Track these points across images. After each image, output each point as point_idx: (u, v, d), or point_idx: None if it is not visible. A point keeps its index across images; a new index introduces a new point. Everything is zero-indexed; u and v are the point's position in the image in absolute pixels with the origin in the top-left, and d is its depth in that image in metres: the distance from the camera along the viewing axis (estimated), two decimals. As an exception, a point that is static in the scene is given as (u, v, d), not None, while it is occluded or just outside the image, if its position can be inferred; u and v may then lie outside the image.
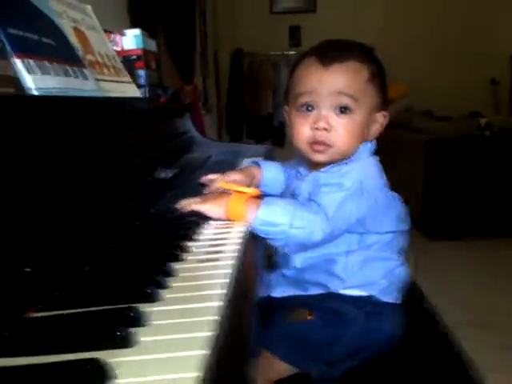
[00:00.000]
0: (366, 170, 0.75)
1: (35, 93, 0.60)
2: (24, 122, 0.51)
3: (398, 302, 0.79)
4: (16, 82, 0.59)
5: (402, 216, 0.80)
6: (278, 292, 0.83)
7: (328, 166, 0.77)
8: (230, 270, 0.50)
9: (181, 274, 0.49)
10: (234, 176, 0.86)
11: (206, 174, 0.95)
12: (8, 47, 0.59)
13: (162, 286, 0.46)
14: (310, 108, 0.76)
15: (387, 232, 0.77)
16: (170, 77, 2.34)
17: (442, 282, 2.12)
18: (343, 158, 0.77)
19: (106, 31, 1.16)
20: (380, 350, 0.75)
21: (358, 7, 4.28)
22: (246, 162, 1.23)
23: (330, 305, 0.76)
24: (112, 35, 1.25)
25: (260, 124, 4.33)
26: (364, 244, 0.76)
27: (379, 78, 0.77)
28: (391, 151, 2.17)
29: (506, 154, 2.68)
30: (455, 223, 2.71)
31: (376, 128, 0.79)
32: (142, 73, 1.25)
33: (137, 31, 1.28)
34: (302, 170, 0.85)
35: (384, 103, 0.79)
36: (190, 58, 2.94)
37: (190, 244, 0.59)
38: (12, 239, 0.44)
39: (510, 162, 2.66)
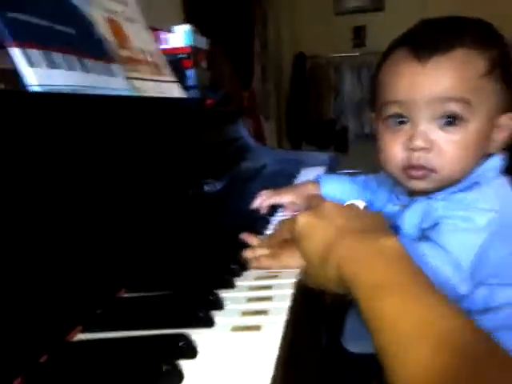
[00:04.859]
0: (502, 198, 0.53)
1: (37, 90, 0.47)
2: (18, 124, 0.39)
3: None
4: (15, 76, 0.47)
5: None
6: (356, 346, 0.65)
7: (446, 191, 0.56)
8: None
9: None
10: (285, 197, 0.72)
11: (259, 186, 0.80)
12: (5, 33, 0.47)
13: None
14: (402, 121, 0.56)
15: None
16: (227, 81, 2.23)
17: None
18: (453, 183, 0.56)
19: (155, 29, 1.06)
20: None
21: (425, 4, 3.96)
22: (305, 172, 1.06)
23: None
24: (160, 32, 1.14)
25: (321, 130, 4.14)
26: (493, 303, 0.54)
27: (502, 66, 0.53)
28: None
29: None
30: None
31: (501, 136, 0.56)
32: (190, 73, 1.12)
33: (186, 27, 1.15)
34: (399, 192, 0.65)
35: (511, 100, 0.55)
36: (247, 62, 2.83)
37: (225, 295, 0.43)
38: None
39: None
